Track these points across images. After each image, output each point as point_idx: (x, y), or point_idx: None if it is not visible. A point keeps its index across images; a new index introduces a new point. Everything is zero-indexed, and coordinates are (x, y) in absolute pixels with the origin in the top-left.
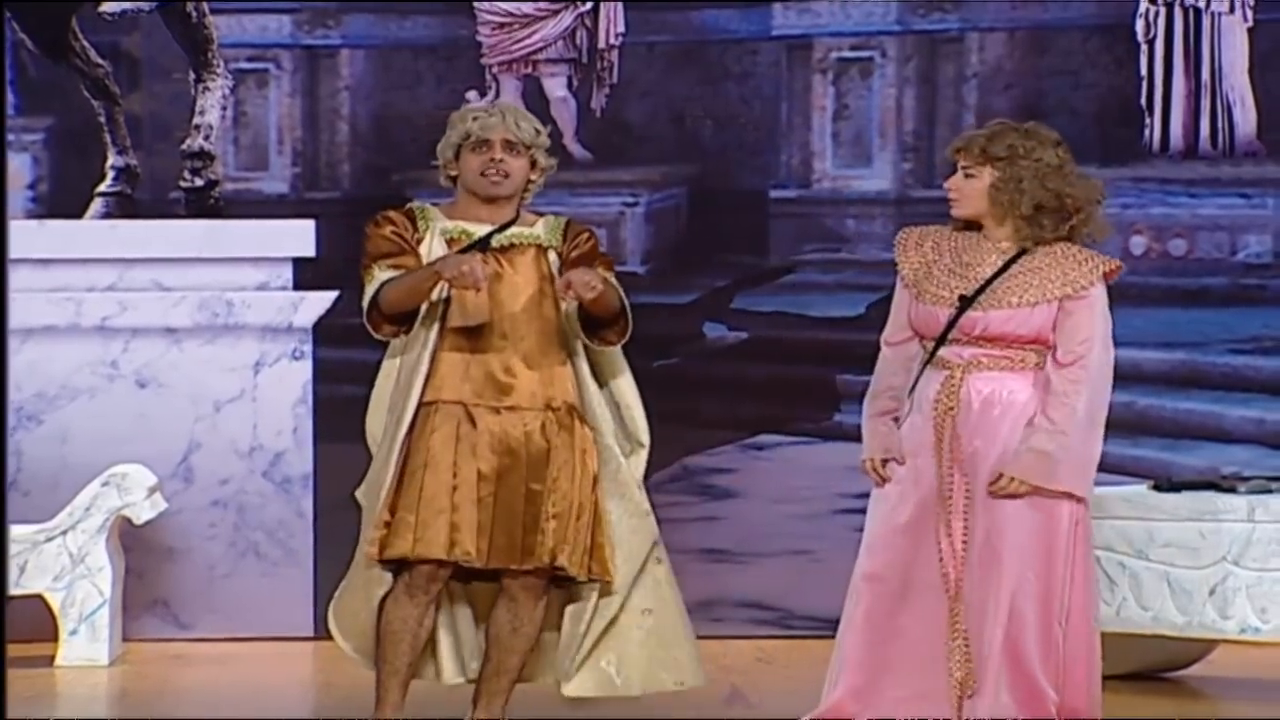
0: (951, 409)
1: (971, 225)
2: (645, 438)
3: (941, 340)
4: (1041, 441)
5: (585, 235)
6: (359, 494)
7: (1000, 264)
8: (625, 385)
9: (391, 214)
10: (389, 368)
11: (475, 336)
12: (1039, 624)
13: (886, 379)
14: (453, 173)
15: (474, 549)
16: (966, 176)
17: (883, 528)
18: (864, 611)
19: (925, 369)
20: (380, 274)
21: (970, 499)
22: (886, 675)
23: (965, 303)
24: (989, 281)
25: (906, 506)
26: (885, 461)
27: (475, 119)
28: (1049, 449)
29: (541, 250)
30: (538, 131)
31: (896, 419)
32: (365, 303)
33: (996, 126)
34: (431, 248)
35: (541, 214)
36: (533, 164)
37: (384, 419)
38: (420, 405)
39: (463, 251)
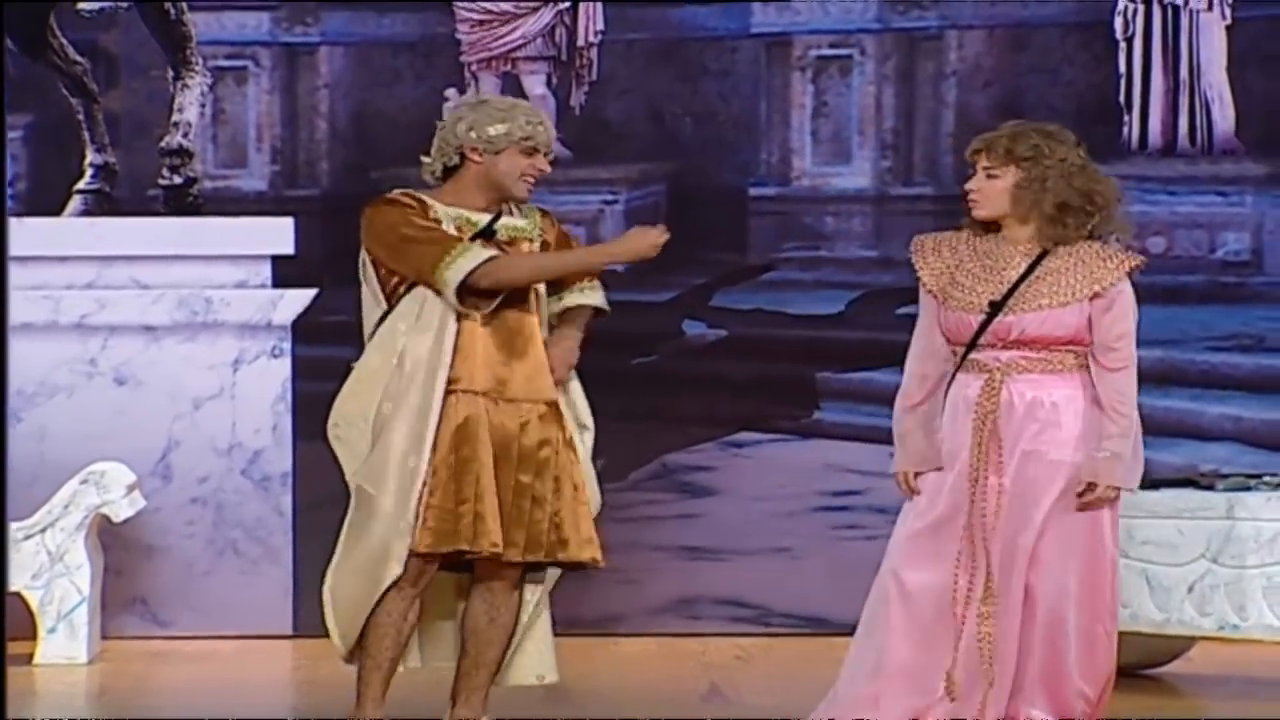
0: (992, 412)
1: (988, 228)
2: (589, 420)
3: (972, 345)
4: (1116, 445)
5: (558, 231)
6: (359, 478)
7: (1025, 266)
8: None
9: (404, 201)
10: (385, 353)
11: (488, 327)
12: (1082, 628)
13: (916, 387)
14: (477, 160)
15: (500, 540)
16: (989, 177)
17: (913, 530)
18: (902, 614)
19: (958, 373)
20: (478, 250)
21: (1003, 502)
22: (933, 685)
23: (995, 308)
24: (1016, 284)
25: (937, 508)
26: (918, 474)
27: (530, 123)
28: (1124, 452)
29: (530, 242)
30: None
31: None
32: (470, 266)
33: (1018, 127)
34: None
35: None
36: None
37: (372, 400)
38: (445, 393)
39: (472, 239)
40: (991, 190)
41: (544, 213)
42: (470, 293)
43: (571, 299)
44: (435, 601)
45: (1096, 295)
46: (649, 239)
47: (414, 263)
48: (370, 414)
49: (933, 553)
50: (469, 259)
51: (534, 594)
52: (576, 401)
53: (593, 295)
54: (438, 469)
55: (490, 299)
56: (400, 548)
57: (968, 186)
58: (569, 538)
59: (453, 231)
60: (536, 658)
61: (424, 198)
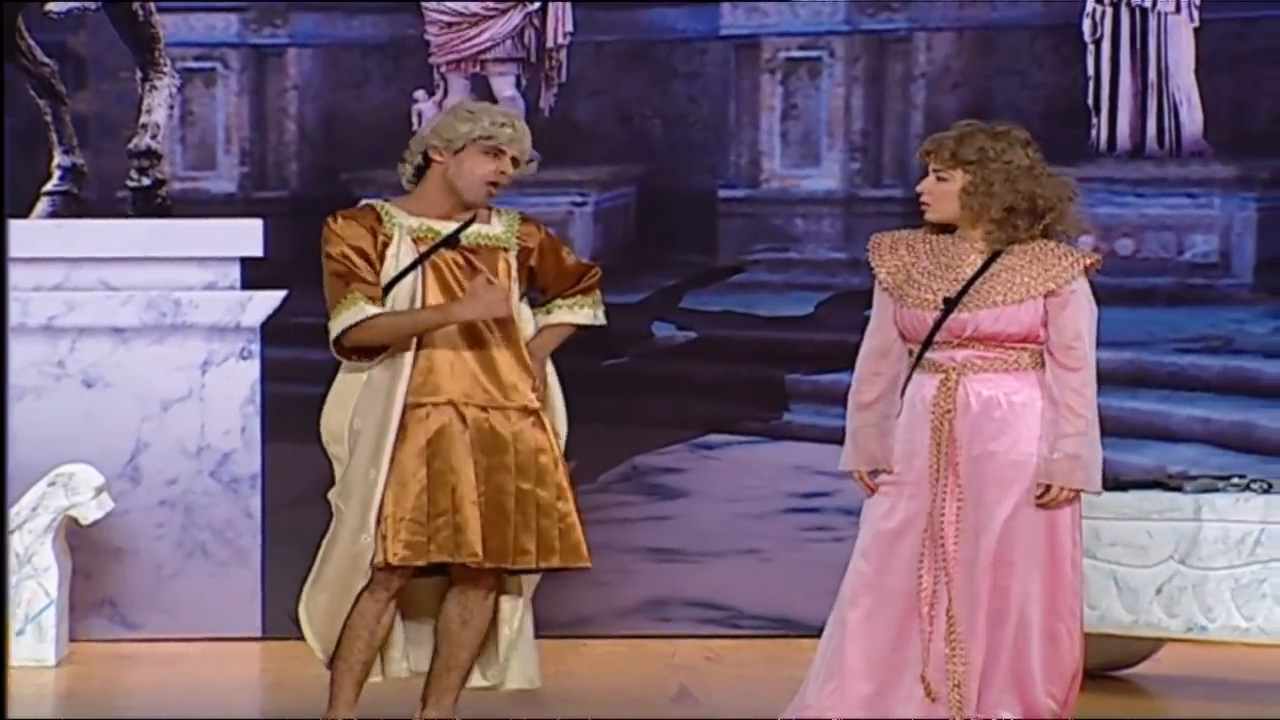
0: (949, 412)
1: (946, 227)
2: (562, 428)
3: (927, 343)
4: (1072, 446)
5: (543, 237)
6: (334, 495)
7: (980, 263)
8: (553, 379)
9: (356, 216)
10: (355, 369)
11: (459, 335)
12: (1044, 627)
13: (868, 386)
14: (438, 160)
15: (480, 549)
16: (938, 180)
17: (877, 532)
18: (863, 617)
19: (914, 372)
20: (363, 304)
21: (964, 503)
22: (899, 684)
23: (949, 304)
24: (970, 282)
25: (900, 511)
26: (873, 472)
27: (495, 124)
28: (1081, 453)
29: (504, 251)
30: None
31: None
32: (342, 327)
33: (965, 128)
34: (399, 249)
35: (490, 207)
36: None
37: (346, 415)
38: (407, 407)
39: (433, 249)
40: (941, 193)
41: (525, 218)
42: (350, 344)
43: (558, 315)
44: (418, 609)
45: (1051, 293)
46: (494, 294)
47: (326, 292)
48: (345, 430)
49: (896, 554)
50: (348, 316)
51: (516, 602)
52: (558, 408)
53: (580, 313)
54: (407, 483)
55: (369, 355)
56: (364, 559)
57: (919, 189)
58: (578, 542)
59: (409, 247)
60: (529, 662)
61: (386, 208)
